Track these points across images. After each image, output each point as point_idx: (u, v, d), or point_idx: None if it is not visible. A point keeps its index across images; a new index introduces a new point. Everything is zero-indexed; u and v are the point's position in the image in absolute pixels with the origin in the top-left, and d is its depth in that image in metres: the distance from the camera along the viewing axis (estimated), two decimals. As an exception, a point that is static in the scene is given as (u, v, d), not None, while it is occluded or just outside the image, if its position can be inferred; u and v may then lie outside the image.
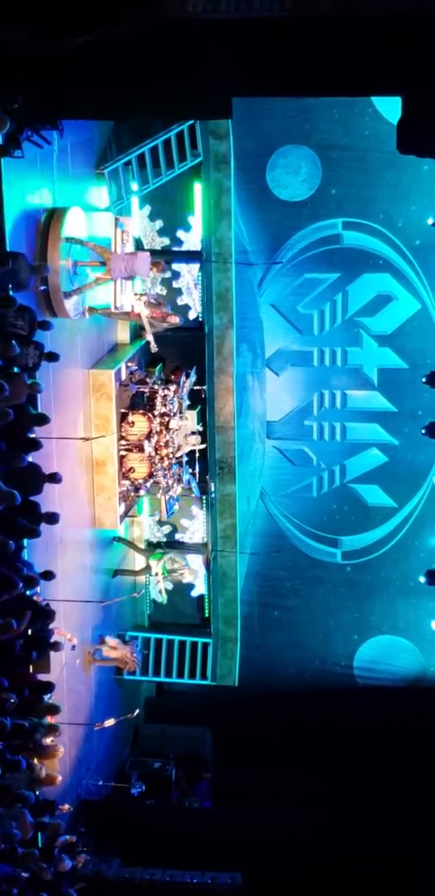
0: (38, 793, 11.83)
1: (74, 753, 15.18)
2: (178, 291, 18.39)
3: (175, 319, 16.48)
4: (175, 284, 18.37)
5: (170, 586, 18.48)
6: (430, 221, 17.93)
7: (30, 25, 9.89)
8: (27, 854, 10.89)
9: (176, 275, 18.36)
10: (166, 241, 18.33)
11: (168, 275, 18.18)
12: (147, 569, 18.02)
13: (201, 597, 19.12)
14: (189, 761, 18.51)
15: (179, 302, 18.39)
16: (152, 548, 18.70)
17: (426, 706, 18.15)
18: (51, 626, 12.10)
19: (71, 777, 14.97)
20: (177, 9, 9.77)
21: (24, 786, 11.26)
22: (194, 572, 18.33)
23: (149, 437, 16.28)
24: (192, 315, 18.43)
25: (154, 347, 16.24)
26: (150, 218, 18.14)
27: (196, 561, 18.65)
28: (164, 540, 19.05)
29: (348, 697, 19.00)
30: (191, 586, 19.00)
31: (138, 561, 18.49)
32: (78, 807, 15.46)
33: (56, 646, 12.27)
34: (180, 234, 18.30)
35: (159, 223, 18.23)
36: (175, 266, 18.30)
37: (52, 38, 10.06)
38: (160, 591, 18.24)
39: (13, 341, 11.10)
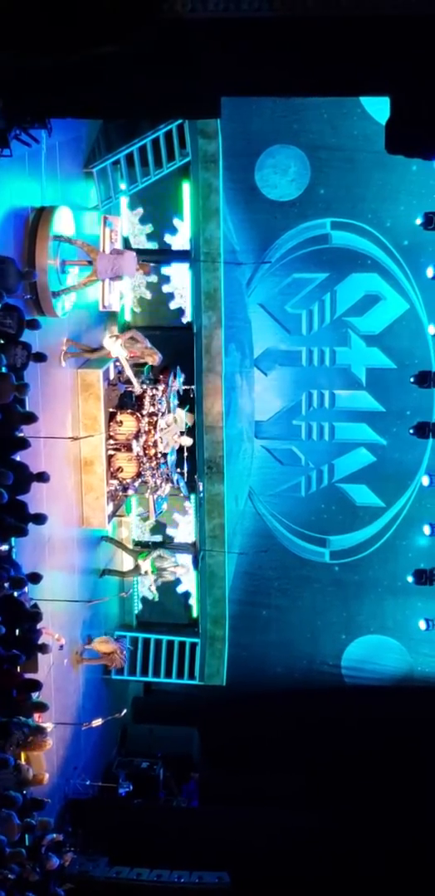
0: (25, 792, 11.81)
1: (62, 753, 15.15)
2: (170, 296, 18.32)
3: (155, 358, 16.34)
4: (165, 289, 18.29)
5: (159, 583, 18.42)
6: (418, 222, 17.95)
7: (25, 43, 9.86)
8: (14, 853, 10.86)
9: (166, 279, 18.28)
10: (154, 242, 18.27)
11: (154, 279, 18.12)
12: (136, 569, 18.00)
13: (189, 596, 19.10)
14: (177, 761, 18.51)
15: (172, 306, 18.33)
16: (140, 547, 18.67)
17: (414, 706, 18.19)
18: (38, 627, 12.08)
19: (58, 776, 14.94)
20: (165, 8, 9.75)
21: (12, 786, 11.24)
22: (185, 568, 18.29)
23: (137, 436, 16.27)
24: (185, 319, 18.35)
25: (137, 388, 16.18)
26: (141, 221, 18.07)
27: (185, 559, 18.62)
28: (152, 539, 19.01)
29: (336, 697, 19.02)
30: (179, 583, 18.93)
31: (126, 561, 18.46)
32: (65, 806, 15.44)
33: (44, 648, 12.24)
34: (168, 234, 18.26)
35: (149, 226, 18.15)
36: (165, 270, 18.21)
37: (49, 55, 10.03)
38: (151, 590, 18.20)
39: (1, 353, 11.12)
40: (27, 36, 9.89)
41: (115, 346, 15.57)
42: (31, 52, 10.05)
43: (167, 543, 18.88)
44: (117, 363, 16.17)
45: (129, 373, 15.83)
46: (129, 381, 16.50)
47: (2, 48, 9.82)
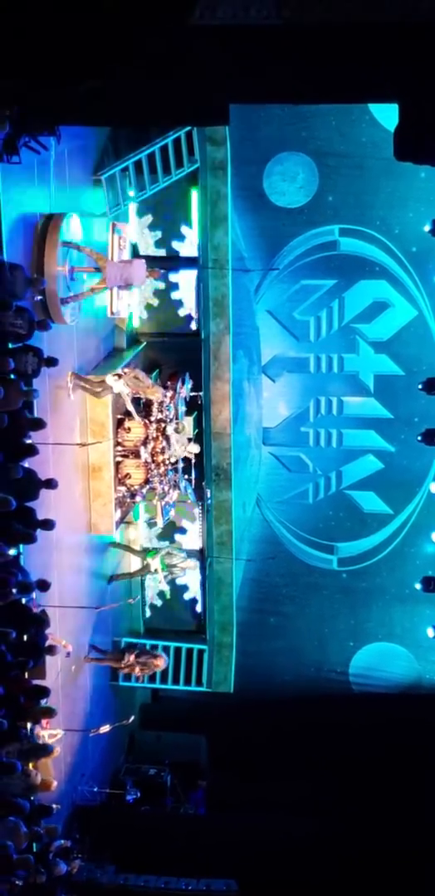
0: (33, 798, 11.81)
1: (70, 759, 15.15)
2: (179, 303, 18.31)
3: (158, 395, 16.23)
4: (174, 296, 18.29)
5: (169, 580, 18.31)
6: (426, 228, 17.93)
7: (35, 71, 9.90)
8: (22, 860, 10.86)
9: (174, 286, 18.27)
10: (162, 249, 18.26)
11: (162, 285, 18.11)
12: (145, 567, 17.88)
13: (197, 602, 19.07)
14: (184, 768, 18.47)
15: (181, 313, 18.32)
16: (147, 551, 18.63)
17: (422, 713, 18.15)
18: (46, 632, 12.09)
19: (66, 783, 14.94)
20: (178, 17, 9.77)
21: (20, 793, 11.24)
22: (195, 562, 18.24)
23: (145, 443, 16.27)
24: (193, 325, 18.33)
25: (138, 420, 16.14)
26: (150, 228, 18.05)
27: (192, 564, 18.58)
28: (160, 545, 18.98)
29: (344, 704, 19.00)
30: (185, 587, 18.87)
31: (135, 564, 18.45)
32: (73, 813, 15.44)
33: (52, 650, 12.25)
34: (176, 241, 18.24)
35: (158, 233, 18.13)
36: (173, 277, 18.19)
37: (60, 84, 10.08)
38: (162, 586, 18.14)
39: (9, 358, 11.14)
40: (36, 64, 9.93)
41: (118, 384, 15.62)
42: (40, 80, 10.10)
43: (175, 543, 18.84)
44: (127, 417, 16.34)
45: (130, 408, 15.81)
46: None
47: (10, 75, 9.87)
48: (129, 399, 15.78)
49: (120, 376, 15.60)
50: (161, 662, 16.82)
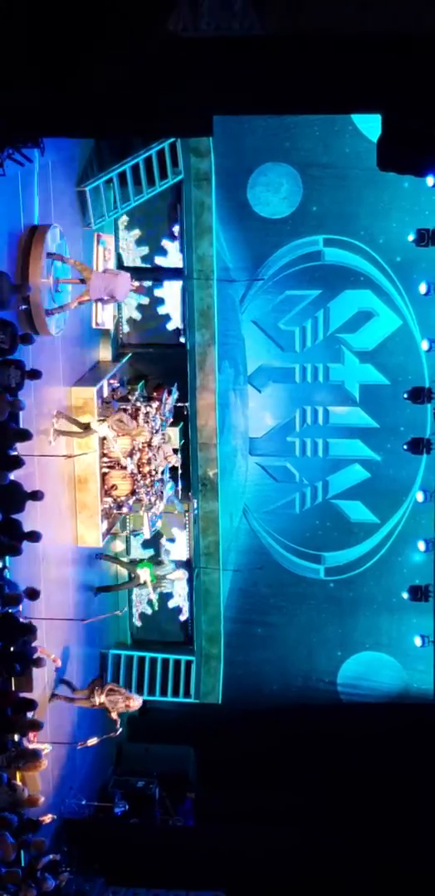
0: (22, 812, 11.77)
1: (57, 772, 15.10)
2: (167, 317, 18.29)
3: (145, 435, 16.02)
4: (160, 311, 18.24)
5: (158, 591, 18.26)
6: (410, 238, 18.01)
7: (17, 79, 9.91)
8: (10, 874, 10.82)
9: (160, 301, 18.23)
10: (147, 262, 18.22)
11: (146, 301, 18.07)
12: (135, 579, 17.82)
13: (183, 613, 19.03)
14: (173, 780, 18.43)
15: (169, 327, 18.28)
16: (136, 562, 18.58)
17: (410, 722, 18.16)
18: (33, 644, 12.06)
19: (54, 796, 14.88)
20: (159, 28, 9.79)
21: (6, 807, 11.20)
22: (183, 572, 18.20)
23: (131, 454, 16.25)
24: (178, 335, 18.31)
25: (124, 462, 15.94)
26: (137, 244, 18.04)
27: (180, 574, 18.56)
28: (147, 555, 18.92)
29: (332, 714, 18.98)
30: (171, 597, 18.82)
31: (122, 575, 18.40)
32: (61, 826, 15.37)
33: (39, 662, 12.22)
34: (160, 256, 18.17)
35: (144, 249, 18.10)
36: (158, 292, 18.15)
37: (42, 89, 10.07)
38: (151, 600, 18.09)
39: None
40: (18, 71, 9.93)
41: (102, 427, 15.64)
42: (23, 88, 10.09)
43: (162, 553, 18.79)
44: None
45: (117, 452, 15.75)
46: (123, 399, 16.52)
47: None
48: (115, 444, 15.68)
49: (104, 419, 15.50)
50: (134, 703, 15.70)
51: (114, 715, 15.51)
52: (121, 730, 16.04)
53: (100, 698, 15.44)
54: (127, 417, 15.91)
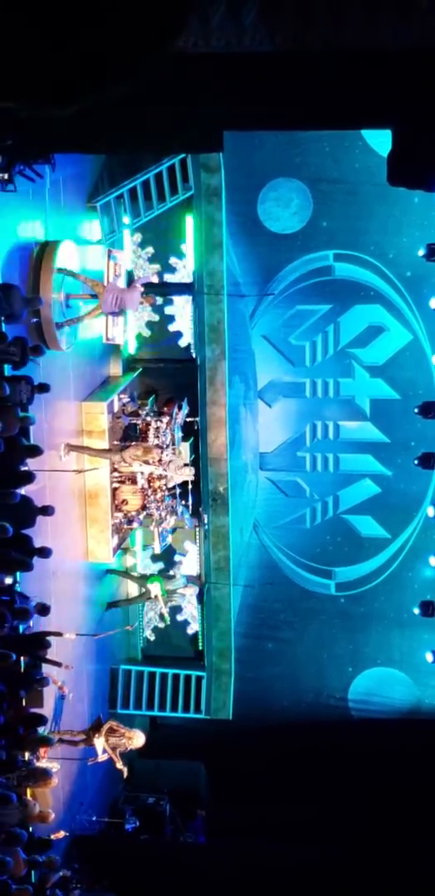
0: (31, 829, 11.73)
1: (68, 789, 15.05)
2: (178, 335, 18.27)
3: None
4: (172, 328, 18.24)
5: (170, 606, 18.17)
6: (421, 253, 18.01)
7: (28, 94, 9.91)
8: (20, 891, 10.77)
9: (171, 318, 18.24)
10: (158, 268, 18.21)
11: (156, 318, 18.05)
12: (145, 594, 17.75)
13: (193, 628, 18.99)
14: (183, 796, 18.36)
15: (181, 344, 18.27)
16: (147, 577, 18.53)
17: (422, 738, 18.06)
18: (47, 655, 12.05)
19: (64, 812, 14.83)
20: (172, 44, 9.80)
21: (17, 822, 11.16)
22: (194, 588, 18.15)
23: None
24: (188, 350, 18.30)
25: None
26: (149, 261, 18.04)
27: (191, 590, 18.51)
28: (157, 568, 18.89)
29: (343, 730, 18.90)
30: (180, 610, 18.76)
31: (133, 590, 18.36)
32: (72, 842, 15.32)
33: (43, 682, 12.18)
34: (168, 273, 18.14)
35: (157, 266, 18.07)
36: (169, 310, 18.14)
37: (52, 105, 10.08)
38: (162, 615, 18.02)
39: (5, 384, 11.15)
40: (28, 87, 9.94)
41: (134, 465, 15.74)
42: (32, 103, 10.10)
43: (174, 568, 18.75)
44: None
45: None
46: (133, 414, 16.53)
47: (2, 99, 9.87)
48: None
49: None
50: (137, 740, 14.88)
51: (119, 765, 14.79)
52: (127, 773, 15.57)
53: (100, 741, 14.58)
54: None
